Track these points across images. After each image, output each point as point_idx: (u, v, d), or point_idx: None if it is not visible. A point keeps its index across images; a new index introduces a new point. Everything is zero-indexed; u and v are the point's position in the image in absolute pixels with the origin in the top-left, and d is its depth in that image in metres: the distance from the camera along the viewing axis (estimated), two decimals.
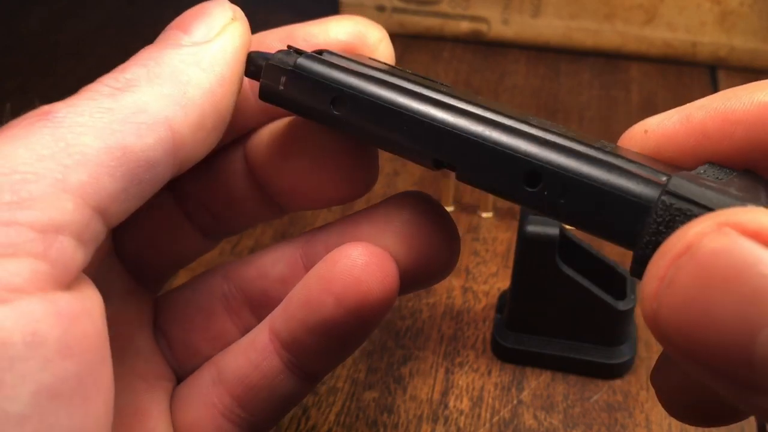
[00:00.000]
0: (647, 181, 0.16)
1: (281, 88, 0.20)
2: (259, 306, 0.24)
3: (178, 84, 0.19)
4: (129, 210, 0.18)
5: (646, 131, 0.19)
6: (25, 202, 0.15)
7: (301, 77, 0.19)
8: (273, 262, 0.23)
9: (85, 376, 0.16)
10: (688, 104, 0.19)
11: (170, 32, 0.20)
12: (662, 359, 0.20)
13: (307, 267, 0.23)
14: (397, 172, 0.45)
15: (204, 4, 0.21)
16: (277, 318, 0.22)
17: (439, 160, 0.18)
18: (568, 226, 0.39)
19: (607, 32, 0.55)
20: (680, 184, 0.15)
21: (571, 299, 0.32)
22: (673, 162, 0.19)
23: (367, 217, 0.22)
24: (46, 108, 0.17)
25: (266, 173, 0.23)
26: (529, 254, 0.31)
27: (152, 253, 0.24)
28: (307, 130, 0.22)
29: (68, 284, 0.16)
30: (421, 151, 0.18)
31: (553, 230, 0.30)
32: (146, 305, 0.24)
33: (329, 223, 0.23)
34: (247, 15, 0.21)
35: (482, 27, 0.57)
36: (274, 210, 0.24)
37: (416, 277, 0.22)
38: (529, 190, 0.17)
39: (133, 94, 0.18)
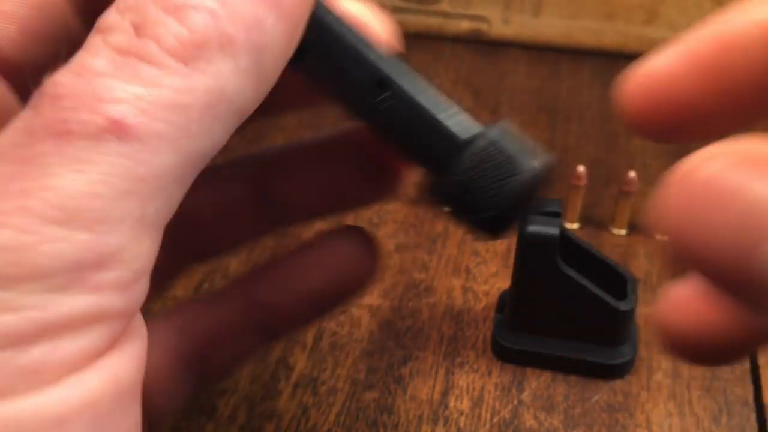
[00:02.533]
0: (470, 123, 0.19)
1: None
2: None
3: (255, 52, 0.15)
4: None
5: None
6: (108, 262, 0.14)
7: None
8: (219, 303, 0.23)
9: (139, 414, 0.15)
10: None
11: None
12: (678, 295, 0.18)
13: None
14: None
15: None
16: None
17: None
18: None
19: (608, 32, 0.55)
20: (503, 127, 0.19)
21: (571, 299, 0.32)
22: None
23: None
24: (113, 114, 0.13)
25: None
26: (530, 254, 0.31)
27: None
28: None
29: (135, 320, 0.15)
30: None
31: (553, 230, 0.30)
32: None
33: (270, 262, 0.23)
34: None
35: (483, 26, 0.57)
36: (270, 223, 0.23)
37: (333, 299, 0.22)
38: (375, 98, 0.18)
39: (205, 76, 0.14)
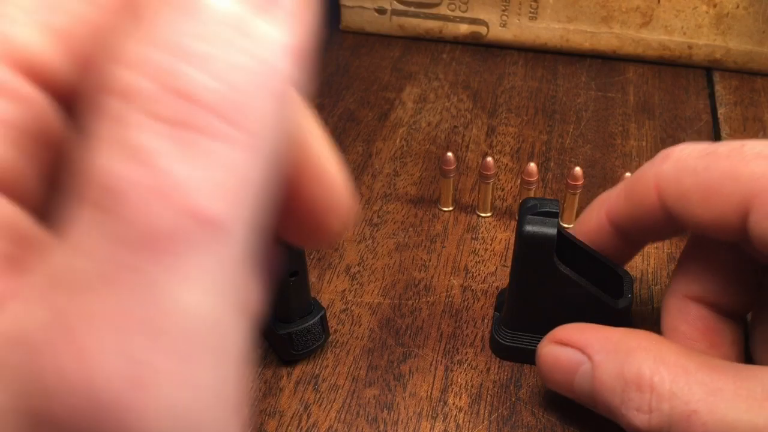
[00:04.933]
0: None
1: None
2: None
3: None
4: None
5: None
6: None
7: None
8: None
9: None
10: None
11: None
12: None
13: None
14: (397, 173, 0.46)
15: None
16: None
17: None
18: (565, 225, 0.39)
19: (604, 35, 0.56)
20: None
21: (568, 298, 0.32)
22: None
23: None
24: (203, 210, 0.11)
25: None
26: (527, 254, 0.31)
27: None
28: None
29: None
30: None
31: (550, 230, 0.31)
32: None
33: None
34: None
35: (481, 29, 0.58)
36: None
37: None
38: None
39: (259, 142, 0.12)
